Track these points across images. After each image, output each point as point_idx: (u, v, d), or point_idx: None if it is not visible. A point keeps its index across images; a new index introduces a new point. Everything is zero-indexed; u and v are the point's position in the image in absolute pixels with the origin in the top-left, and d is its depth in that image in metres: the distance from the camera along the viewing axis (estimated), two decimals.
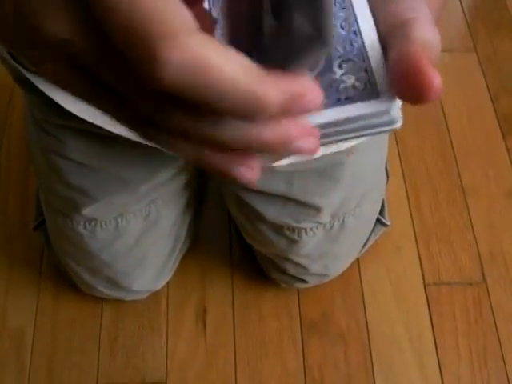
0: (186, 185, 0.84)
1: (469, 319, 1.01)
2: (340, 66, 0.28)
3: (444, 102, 1.23)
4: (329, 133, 0.27)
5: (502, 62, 1.29)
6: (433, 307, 1.01)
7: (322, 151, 0.69)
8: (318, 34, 0.23)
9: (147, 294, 0.99)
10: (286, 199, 0.78)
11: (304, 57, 0.23)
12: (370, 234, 0.96)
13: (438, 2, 0.33)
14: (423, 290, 1.03)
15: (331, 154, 0.69)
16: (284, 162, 0.69)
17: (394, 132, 1.17)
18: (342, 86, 0.27)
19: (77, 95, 0.26)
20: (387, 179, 0.95)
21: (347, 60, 0.28)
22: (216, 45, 0.21)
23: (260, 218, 0.81)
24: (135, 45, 0.20)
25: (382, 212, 0.96)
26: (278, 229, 0.82)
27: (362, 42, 0.28)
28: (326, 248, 0.87)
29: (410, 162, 1.16)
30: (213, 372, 0.96)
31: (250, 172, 0.25)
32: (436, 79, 0.25)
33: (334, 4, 0.28)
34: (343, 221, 0.83)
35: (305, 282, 0.96)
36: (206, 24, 0.24)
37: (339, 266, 0.96)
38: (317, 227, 0.82)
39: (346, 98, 0.27)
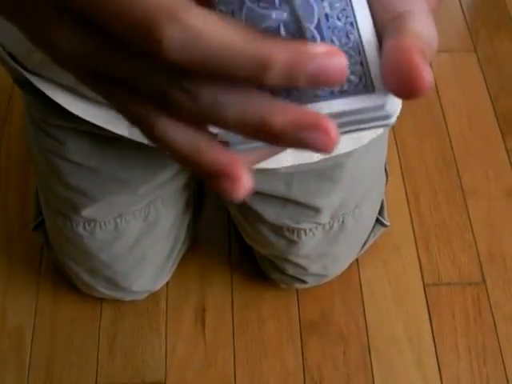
0: (186, 185, 0.84)
1: (468, 319, 1.01)
2: None
3: (444, 102, 1.23)
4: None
5: (501, 62, 1.29)
6: (432, 307, 1.02)
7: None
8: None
9: (146, 295, 0.99)
10: (286, 200, 0.78)
11: None
12: (370, 235, 0.96)
13: None
14: (422, 291, 1.03)
15: (331, 156, 0.69)
16: (286, 163, 0.69)
17: (394, 132, 1.17)
18: None
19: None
20: (387, 180, 0.95)
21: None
22: (214, 17, 0.22)
23: (259, 218, 0.81)
24: (135, 29, 0.21)
25: (381, 212, 0.96)
26: (278, 230, 0.82)
27: (359, 35, 0.27)
28: (325, 249, 0.87)
29: (410, 162, 1.16)
30: (212, 372, 0.96)
31: (238, 184, 0.24)
32: (426, 74, 0.24)
33: None
34: (343, 221, 0.83)
35: (304, 282, 0.96)
36: None
37: (338, 266, 0.96)
38: (316, 228, 0.82)
39: (340, 92, 0.26)
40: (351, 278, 1.03)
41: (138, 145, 0.62)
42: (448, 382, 0.96)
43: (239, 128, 0.23)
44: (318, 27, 0.26)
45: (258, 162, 0.27)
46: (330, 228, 0.83)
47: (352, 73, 0.26)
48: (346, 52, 0.27)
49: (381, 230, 0.99)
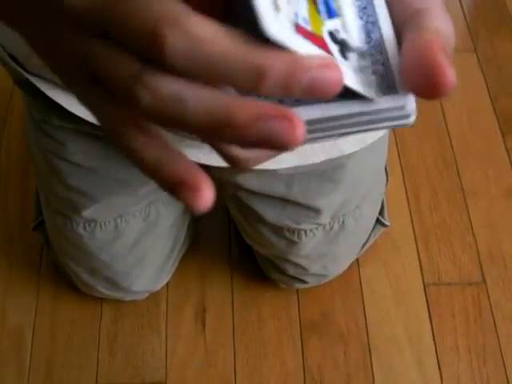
0: None
1: (468, 319, 1.01)
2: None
3: (444, 102, 1.23)
4: (343, 124, 0.27)
5: (501, 62, 1.29)
6: (432, 307, 1.02)
7: (327, 155, 0.70)
8: None
9: (147, 295, 0.99)
10: (286, 201, 0.78)
11: None
12: (370, 235, 0.96)
13: None
14: (423, 290, 1.03)
15: (332, 157, 0.69)
16: (287, 164, 0.69)
17: (394, 132, 1.17)
18: None
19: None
20: (387, 180, 0.95)
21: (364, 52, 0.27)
22: (215, 26, 0.22)
23: (260, 219, 0.81)
24: (139, 34, 0.22)
25: (381, 212, 0.96)
26: (278, 230, 0.82)
27: (380, 34, 0.27)
28: (325, 249, 0.87)
29: (410, 162, 1.16)
30: (212, 372, 0.96)
31: (196, 195, 0.24)
32: (449, 72, 0.24)
33: None
34: (343, 222, 0.83)
35: (304, 282, 0.96)
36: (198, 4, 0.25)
37: (339, 266, 0.96)
38: (316, 228, 0.82)
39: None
40: (351, 277, 1.03)
41: None
42: (448, 382, 0.96)
43: (203, 126, 0.23)
44: None
45: (262, 161, 0.27)
46: (331, 228, 0.83)
47: (374, 72, 0.26)
48: (368, 51, 0.27)
49: (381, 229, 0.99)
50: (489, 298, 1.02)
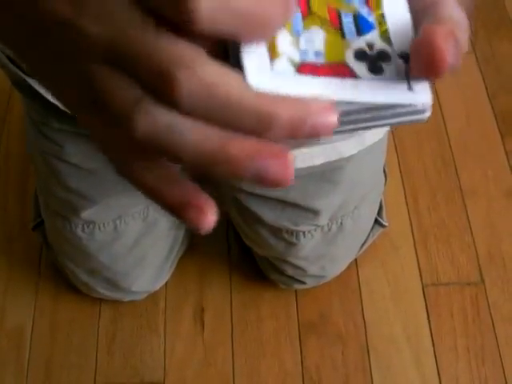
0: None
1: (466, 319, 1.01)
2: None
3: (442, 102, 1.23)
4: (357, 119, 0.27)
5: (500, 62, 1.29)
6: (431, 307, 1.02)
7: (327, 157, 0.70)
8: None
9: (146, 295, 0.99)
10: (285, 203, 0.78)
11: None
12: (368, 235, 0.96)
13: None
14: (421, 291, 1.03)
15: (332, 159, 0.69)
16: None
17: (392, 133, 1.17)
18: None
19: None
20: (385, 181, 0.95)
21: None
22: (226, 71, 0.23)
23: (258, 221, 0.82)
24: (152, 73, 0.22)
25: (380, 213, 0.96)
26: (277, 232, 0.82)
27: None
28: (323, 250, 0.87)
29: (409, 162, 1.16)
30: (211, 372, 0.96)
31: (201, 216, 0.24)
32: (446, 53, 0.24)
33: None
34: (341, 223, 0.83)
35: (303, 283, 0.96)
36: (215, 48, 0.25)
37: (337, 267, 0.96)
38: (315, 230, 0.82)
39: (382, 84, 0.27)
40: (350, 278, 1.03)
41: None
42: (447, 382, 0.96)
43: (196, 160, 0.23)
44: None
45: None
46: (329, 230, 0.83)
47: (405, 72, 0.26)
48: (390, 48, 0.27)
49: (379, 230, 0.99)
50: (487, 298, 1.02)
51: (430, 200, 1.12)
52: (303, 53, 0.25)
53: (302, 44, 0.26)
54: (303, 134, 0.23)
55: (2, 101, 1.21)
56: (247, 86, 0.23)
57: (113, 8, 0.23)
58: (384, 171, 0.92)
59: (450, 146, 1.18)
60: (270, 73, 0.25)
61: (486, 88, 1.25)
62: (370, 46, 0.26)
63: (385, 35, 0.27)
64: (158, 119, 0.22)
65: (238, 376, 0.96)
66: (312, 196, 0.77)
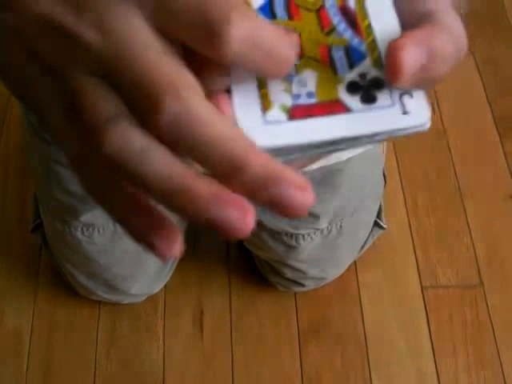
0: None
1: (465, 322, 1.01)
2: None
3: (441, 105, 1.23)
4: (354, 143, 0.27)
5: (499, 65, 1.29)
6: (430, 310, 1.02)
7: (325, 161, 0.70)
8: None
9: (145, 298, 0.99)
10: None
11: None
12: (368, 238, 0.96)
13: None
14: (420, 293, 1.03)
15: (330, 163, 0.69)
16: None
17: None
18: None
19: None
20: (385, 183, 0.95)
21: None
22: (212, 106, 0.23)
23: (258, 224, 0.82)
24: (139, 92, 0.22)
25: (379, 215, 0.96)
26: (276, 235, 0.82)
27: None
28: (323, 253, 0.87)
29: (408, 165, 1.16)
30: (210, 375, 0.96)
31: (168, 246, 0.24)
32: (403, 59, 0.24)
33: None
34: (341, 226, 0.83)
35: (302, 285, 0.96)
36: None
37: (337, 269, 0.96)
38: (314, 233, 0.82)
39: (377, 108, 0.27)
40: (349, 280, 1.03)
41: None
42: None
43: (156, 188, 0.23)
44: None
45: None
46: (329, 233, 0.83)
47: (402, 93, 0.26)
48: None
49: (379, 232, 0.99)
50: (486, 300, 1.02)
51: (429, 202, 1.12)
52: (296, 97, 0.26)
53: (295, 88, 0.26)
54: (267, 195, 0.22)
55: (1, 102, 1.21)
56: (229, 127, 0.23)
57: (119, 21, 0.23)
58: (383, 174, 0.92)
59: (449, 149, 1.18)
60: (261, 124, 0.25)
61: (485, 90, 1.25)
62: (363, 75, 0.27)
63: (377, 62, 0.27)
64: (132, 140, 0.22)
65: (237, 379, 0.96)
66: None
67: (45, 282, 1.03)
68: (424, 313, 1.01)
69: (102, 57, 0.23)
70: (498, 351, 0.98)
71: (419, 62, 0.24)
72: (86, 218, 0.78)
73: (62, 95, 0.24)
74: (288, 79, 0.26)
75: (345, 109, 0.26)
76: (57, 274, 1.00)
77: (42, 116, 0.25)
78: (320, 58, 0.27)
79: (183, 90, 0.22)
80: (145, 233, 0.24)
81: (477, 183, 1.14)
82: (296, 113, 0.26)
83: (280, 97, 0.26)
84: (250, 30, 0.22)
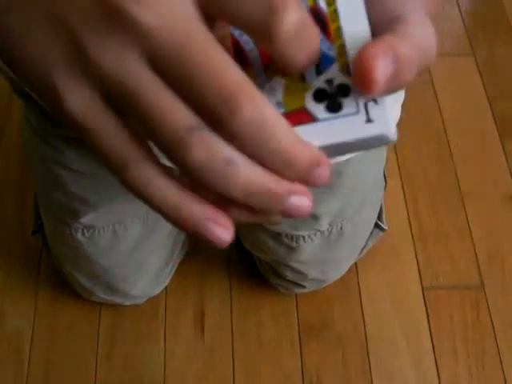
0: None
1: (466, 322, 1.01)
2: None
3: (442, 105, 1.23)
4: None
5: (499, 66, 1.29)
6: (430, 311, 1.02)
7: None
8: None
9: (145, 299, 0.99)
10: None
11: None
12: (368, 239, 0.96)
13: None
14: (421, 294, 1.03)
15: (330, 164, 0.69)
16: None
17: None
18: None
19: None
20: (385, 185, 0.94)
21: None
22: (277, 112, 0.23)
23: (258, 225, 0.81)
24: (216, 93, 0.22)
25: (379, 216, 0.96)
26: (277, 236, 0.82)
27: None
28: (324, 254, 0.87)
29: (408, 166, 1.16)
30: (211, 376, 0.96)
31: (223, 231, 0.25)
32: (376, 69, 0.24)
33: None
34: (341, 227, 0.83)
35: (303, 287, 0.96)
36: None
37: (337, 271, 0.96)
38: (315, 234, 0.82)
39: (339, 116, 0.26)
40: (350, 281, 1.03)
41: None
42: None
43: (246, 190, 0.24)
44: None
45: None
46: (329, 234, 0.83)
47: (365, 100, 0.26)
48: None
49: (379, 233, 0.99)
50: (487, 301, 1.02)
51: (430, 203, 1.12)
52: None
53: (266, 97, 0.26)
54: (310, 182, 0.25)
55: (2, 104, 1.21)
56: (295, 134, 0.24)
57: (180, 9, 0.22)
58: (384, 175, 0.92)
59: (450, 149, 1.18)
60: None
61: (486, 91, 1.25)
62: (330, 82, 0.26)
63: (345, 67, 0.26)
64: (214, 149, 0.23)
65: (238, 380, 0.96)
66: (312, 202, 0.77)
67: (45, 284, 1.03)
68: (425, 313, 1.01)
69: (165, 46, 0.22)
70: (499, 351, 0.98)
71: (389, 71, 0.24)
72: (86, 219, 0.78)
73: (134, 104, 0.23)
74: (261, 88, 0.26)
75: (310, 118, 0.26)
76: (57, 275, 1.00)
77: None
78: None
79: (254, 92, 0.22)
80: (202, 222, 0.24)
81: (477, 184, 1.14)
82: None
83: None
84: None
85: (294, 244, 0.82)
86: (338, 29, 0.27)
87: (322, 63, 0.26)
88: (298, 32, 0.23)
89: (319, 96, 0.26)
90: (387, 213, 0.99)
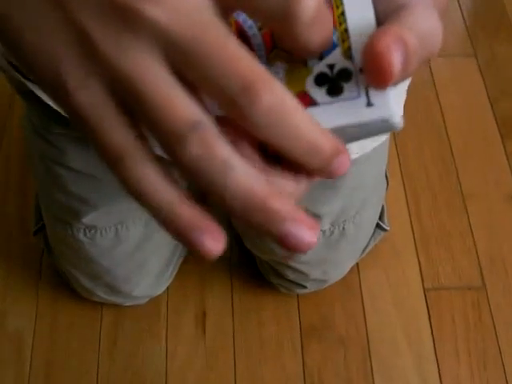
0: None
1: (468, 324, 1.01)
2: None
3: (443, 106, 1.23)
4: None
5: (501, 66, 1.29)
6: (432, 312, 1.02)
7: None
8: None
9: (147, 299, 0.99)
10: None
11: None
12: (370, 239, 0.96)
13: None
14: (422, 295, 1.03)
15: None
16: None
17: (394, 136, 1.17)
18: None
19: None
20: (387, 185, 0.94)
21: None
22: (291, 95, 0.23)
23: None
24: (233, 82, 0.22)
25: (381, 217, 0.96)
26: None
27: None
28: (325, 254, 0.87)
29: (410, 166, 1.16)
30: (212, 376, 0.96)
31: (212, 243, 0.23)
32: (388, 61, 0.23)
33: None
34: (343, 228, 0.83)
35: (304, 287, 0.96)
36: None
37: (339, 271, 0.96)
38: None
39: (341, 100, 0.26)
40: (351, 282, 1.03)
41: None
42: None
43: (241, 197, 0.23)
44: None
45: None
46: (331, 234, 0.83)
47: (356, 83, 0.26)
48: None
49: (381, 234, 0.99)
50: (489, 302, 1.02)
51: (432, 204, 1.12)
52: None
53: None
54: (329, 173, 0.24)
55: (4, 104, 1.21)
56: (310, 117, 0.23)
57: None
58: (385, 176, 0.92)
59: (451, 150, 1.18)
60: None
61: (487, 91, 1.25)
62: (331, 66, 0.26)
63: (347, 52, 0.26)
64: (213, 148, 0.22)
65: (239, 380, 0.96)
66: (313, 201, 0.77)
67: (46, 284, 1.03)
68: (426, 314, 1.01)
69: (177, 39, 0.22)
70: (501, 352, 0.98)
71: (401, 63, 0.24)
72: (87, 219, 0.78)
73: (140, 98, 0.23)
74: None
75: (311, 102, 0.26)
76: (58, 275, 1.00)
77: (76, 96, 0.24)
78: None
79: (272, 79, 0.22)
80: (191, 228, 0.23)
81: (479, 184, 1.14)
82: None
83: None
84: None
85: None
86: (342, 14, 0.27)
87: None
88: (317, 16, 0.23)
89: (320, 80, 0.26)
90: (389, 213, 0.99)
